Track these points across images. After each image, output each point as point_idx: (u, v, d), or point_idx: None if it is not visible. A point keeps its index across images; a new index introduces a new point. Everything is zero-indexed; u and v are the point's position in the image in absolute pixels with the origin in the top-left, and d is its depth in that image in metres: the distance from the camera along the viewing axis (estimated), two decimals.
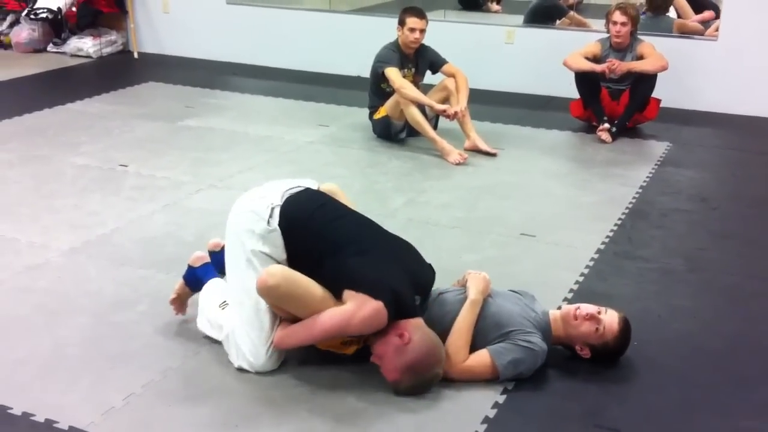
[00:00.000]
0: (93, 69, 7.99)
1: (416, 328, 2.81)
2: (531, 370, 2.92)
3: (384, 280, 2.79)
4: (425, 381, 2.83)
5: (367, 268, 2.82)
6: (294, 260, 2.89)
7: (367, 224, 3.07)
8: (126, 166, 5.10)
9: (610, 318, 2.98)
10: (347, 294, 2.77)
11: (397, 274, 2.86)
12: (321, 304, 2.80)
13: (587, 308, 2.99)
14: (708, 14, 7.04)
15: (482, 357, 2.91)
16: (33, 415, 2.72)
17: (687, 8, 7.13)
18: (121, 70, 7.90)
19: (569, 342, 3.02)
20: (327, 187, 3.23)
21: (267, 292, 2.78)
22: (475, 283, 3.02)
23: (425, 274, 3.07)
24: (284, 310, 2.86)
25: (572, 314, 2.98)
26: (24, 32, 8.41)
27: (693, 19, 7.04)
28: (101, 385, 2.88)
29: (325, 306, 2.79)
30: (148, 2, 8.36)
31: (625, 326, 3.00)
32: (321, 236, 2.92)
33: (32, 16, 8.34)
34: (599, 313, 2.97)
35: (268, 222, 2.89)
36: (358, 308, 2.73)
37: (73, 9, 8.34)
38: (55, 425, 2.67)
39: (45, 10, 8.31)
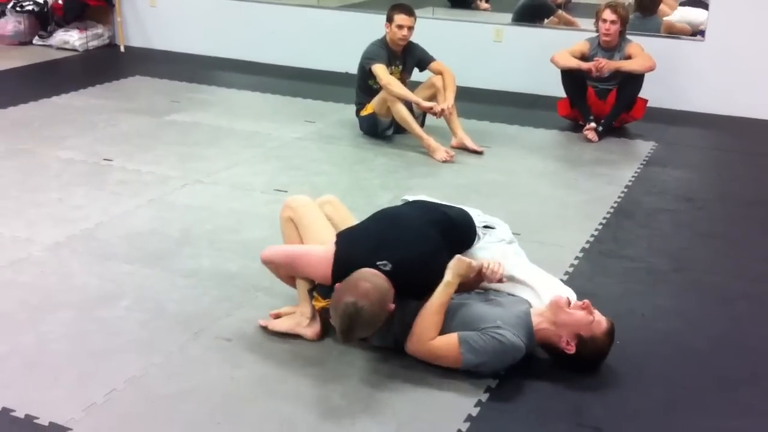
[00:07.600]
0: (79, 62, 7.95)
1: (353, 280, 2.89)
2: (497, 363, 2.90)
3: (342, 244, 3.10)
4: (338, 314, 2.82)
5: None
6: None
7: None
8: (111, 160, 5.08)
9: (599, 315, 2.99)
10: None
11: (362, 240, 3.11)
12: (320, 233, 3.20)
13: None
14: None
15: (449, 339, 2.91)
16: (13, 410, 2.70)
17: (673, 2, 7.17)
18: (107, 64, 7.86)
19: (556, 334, 2.96)
20: (326, 198, 3.48)
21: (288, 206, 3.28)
22: (454, 265, 3.02)
23: (403, 243, 3.07)
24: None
25: (566, 302, 2.98)
26: (9, 24, 8.35)
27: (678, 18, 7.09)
28: (83, 380, 2.87)
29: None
30: None
31: (612, 329, 2.99)
32: None
33: (18, 9, 8.29)
34: None
35: None
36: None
37: (60, 2, 8.29)
38: (35, 421, 2.65)
39: (31, 3, 8.26)
